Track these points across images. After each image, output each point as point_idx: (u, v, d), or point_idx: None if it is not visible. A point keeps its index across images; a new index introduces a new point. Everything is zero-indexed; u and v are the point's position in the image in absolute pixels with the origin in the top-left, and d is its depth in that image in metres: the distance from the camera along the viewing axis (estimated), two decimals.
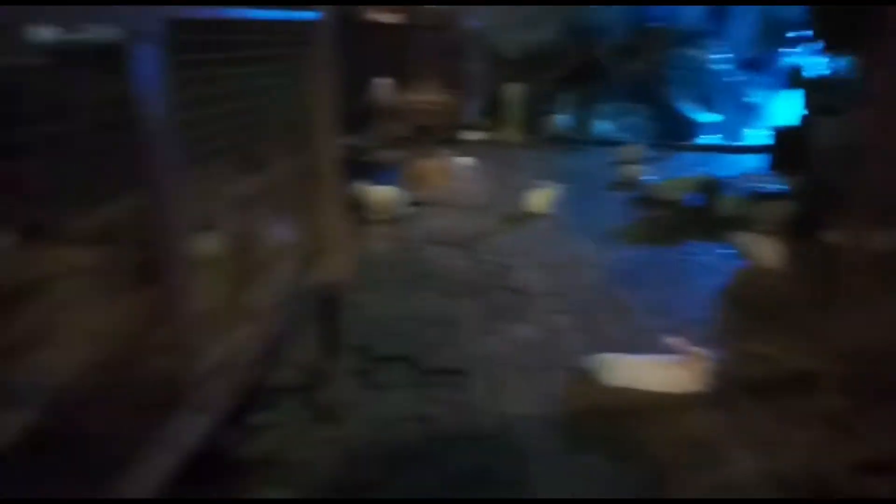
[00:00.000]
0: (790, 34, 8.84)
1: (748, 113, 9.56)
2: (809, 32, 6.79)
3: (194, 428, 1.47)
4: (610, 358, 3.07)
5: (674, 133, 9.28)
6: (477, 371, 3.21)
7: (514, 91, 9.33)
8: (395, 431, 2.76)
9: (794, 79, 7.22)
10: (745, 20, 9.46)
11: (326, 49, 2.12)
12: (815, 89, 6.01)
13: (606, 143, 8.86)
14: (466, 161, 7.15)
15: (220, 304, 1.66)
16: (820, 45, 5.89)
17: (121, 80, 1.88)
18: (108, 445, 1.40)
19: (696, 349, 2.96)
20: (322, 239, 2.42)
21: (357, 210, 5.41)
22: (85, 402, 1.47)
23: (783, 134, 6.34)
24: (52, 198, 2.28)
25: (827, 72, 6.08)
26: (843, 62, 5.54)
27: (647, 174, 6.97)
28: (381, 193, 5.75)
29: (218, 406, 1.59)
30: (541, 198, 5.85)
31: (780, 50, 9.19)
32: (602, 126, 9.71)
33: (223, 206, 1.95)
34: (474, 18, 8.89)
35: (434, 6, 8.81)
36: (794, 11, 8.39)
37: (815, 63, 6.73)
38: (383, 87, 8.44)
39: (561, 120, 9.59)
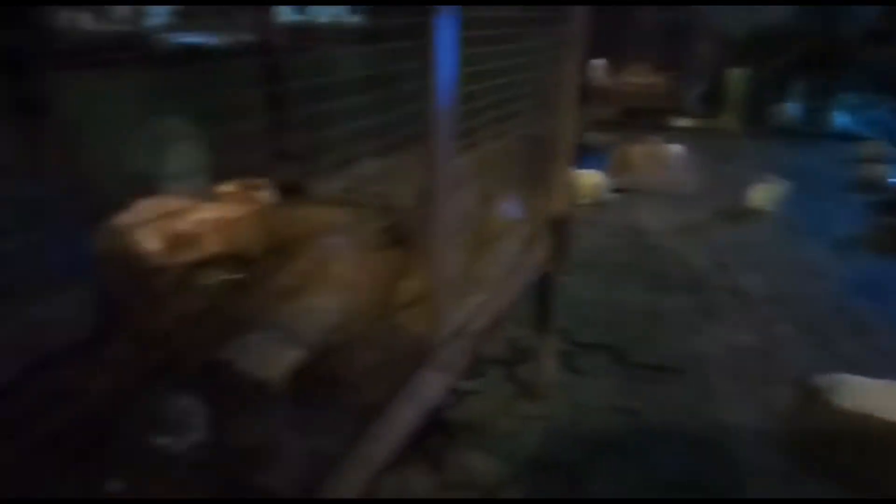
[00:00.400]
0: None
1: None
2: None
3: (437, 386, 1.55)
4: (847, 379, 2.73)
5: None
6: (687, 371, 3.05)
7: (738, 75, 8.59)
8: (597, 419, 2.71)
9: None
10: None
11: (579, 27, 2.09)
12: None
13: (844, 138, 7.87)
14: (678, 148, 6.75)
15: (459, 273, 1.73)
16: None
17: (381, 57, 2.01)
18: (360, 390, 1.52)
19: None
20: (546, 218, 2.42)
21: None
22: (342, 349, 1.61)
23: None
24: (309, 163, 2.54)
25: None
26: None
27: (894, 176, 6.09)
28: (586, 177, 5.63)
29: (456, 368, 1.66)
30: (764, 194, 5.36)
31: None
32: (839, 119, 8.62)
33: (460, 179, 2.01)
34: None
35: None
36: None
37: None
38: (597, 68, 8.22)
39: (790, 109, 8.66)
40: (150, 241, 1.80)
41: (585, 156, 6.48)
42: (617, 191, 5.77)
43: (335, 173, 2.57)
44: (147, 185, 2.07)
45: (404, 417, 1.45)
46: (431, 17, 1.15)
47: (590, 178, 5.64)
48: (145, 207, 1.90)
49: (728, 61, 8.66)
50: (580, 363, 3.12)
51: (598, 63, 8.25)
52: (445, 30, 1.20)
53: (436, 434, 2.49)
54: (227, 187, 2.23)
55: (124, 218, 1.81)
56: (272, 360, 1.50)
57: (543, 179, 2.41)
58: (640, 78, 8.27)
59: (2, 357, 0.78)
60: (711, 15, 8.53)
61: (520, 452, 2.49)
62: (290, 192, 2.47)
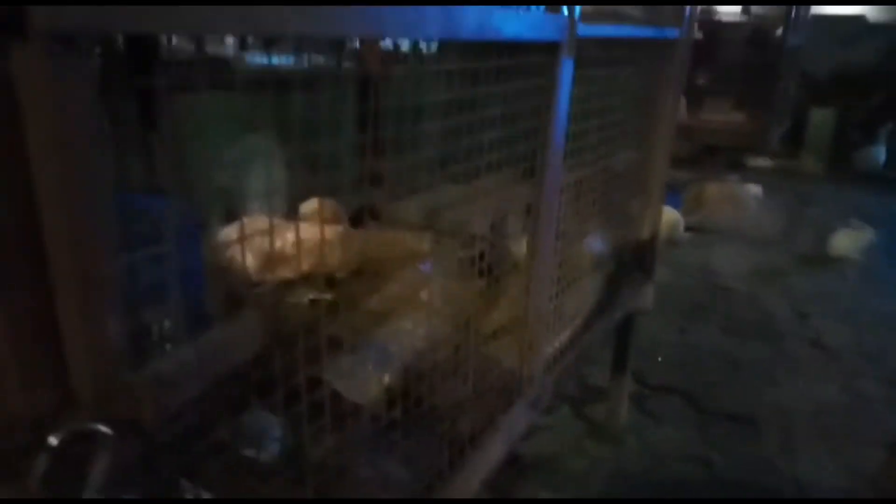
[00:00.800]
0: None
1: None
2: None
3: (524, 420, 1.55)
4: None
5: None
6: (766, 424, 2.92)
7: (822, 116, 8.30)
8: (669, 466, 2.63)
9: None
10: None
11: (680, 66, 2.08)
12: None
13: None
14: (756, 189, 6.56)
15: (550, 307, 1.72)
16: None
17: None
18: (450, 419, 1.52)
19: None
20: (632, 254, 2.39)
21: None
22: (431, 376, 1.62)
23: None
24: (391, 187, 2.57)
25: None
26: None
27: None
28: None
29: (542, 403, 1.65)
30: (848, 240, 5.13)
31: None
32: None
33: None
34: (793, 34, 7.94)
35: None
36: None
37: None
38: None
39: (877, 153, 8.28)
40: (245, 260, 1.86)
41: None
42: (691, 230, 5.63)
43: (414, 198, 2.60)
44: (238, 204, 2.14)
45: (494, 450, 1.45)
46: (555, 57, 1.17)
47: (665, 216, 5.53)
48: (238, 226, 1.96)
49: (812, 101, 8.38)
50: (652, 406, 3.04)
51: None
52: (566, 69, 1.21)
53: (505, 467, 2.46)
54: (312, 208, 2.28)
55: (220, 236, 1.88)
56: (364, 382, 1.52)
57: (632, 216, 2.39)
58: (720, 115, 8.07)
59: (186, 379, 0.82)
60: (797, 52, 8.28)
61: (588, 494, 2.44)
62: (371, 215, 2.51)
